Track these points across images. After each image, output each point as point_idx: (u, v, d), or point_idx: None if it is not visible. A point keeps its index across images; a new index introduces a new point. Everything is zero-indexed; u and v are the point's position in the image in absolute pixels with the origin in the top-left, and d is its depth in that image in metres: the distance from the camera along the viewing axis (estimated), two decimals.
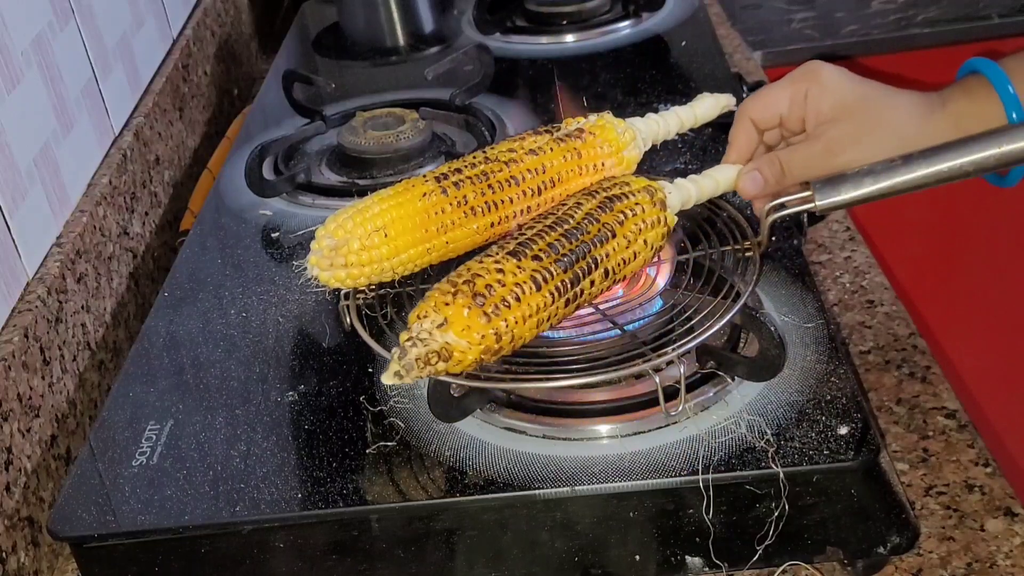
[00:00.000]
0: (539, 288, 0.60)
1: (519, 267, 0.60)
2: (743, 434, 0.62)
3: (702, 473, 0.60)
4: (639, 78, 1.07)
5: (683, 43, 1.15)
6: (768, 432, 0.62)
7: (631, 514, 0.61)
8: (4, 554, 0.68)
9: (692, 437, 0.62)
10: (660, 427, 0.64)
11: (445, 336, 0.57)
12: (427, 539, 0.62)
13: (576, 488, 0.61)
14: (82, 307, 0.84)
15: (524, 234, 0.63)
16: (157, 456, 0.67)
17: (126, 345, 0.90)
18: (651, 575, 0.63)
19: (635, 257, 0.65)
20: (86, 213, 0.88)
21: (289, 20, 1.38)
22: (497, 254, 0.61)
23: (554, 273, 0.61)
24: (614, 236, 0.63)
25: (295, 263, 0.68)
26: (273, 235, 0.90)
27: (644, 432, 0.63)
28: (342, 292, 0.68)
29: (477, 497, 0.61)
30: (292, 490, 0.63)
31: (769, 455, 0.60)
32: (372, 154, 0.96)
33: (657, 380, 0.61)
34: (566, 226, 0.63)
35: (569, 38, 1.19)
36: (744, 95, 1.02)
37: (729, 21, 1.36)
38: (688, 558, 0.62)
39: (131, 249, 0.96)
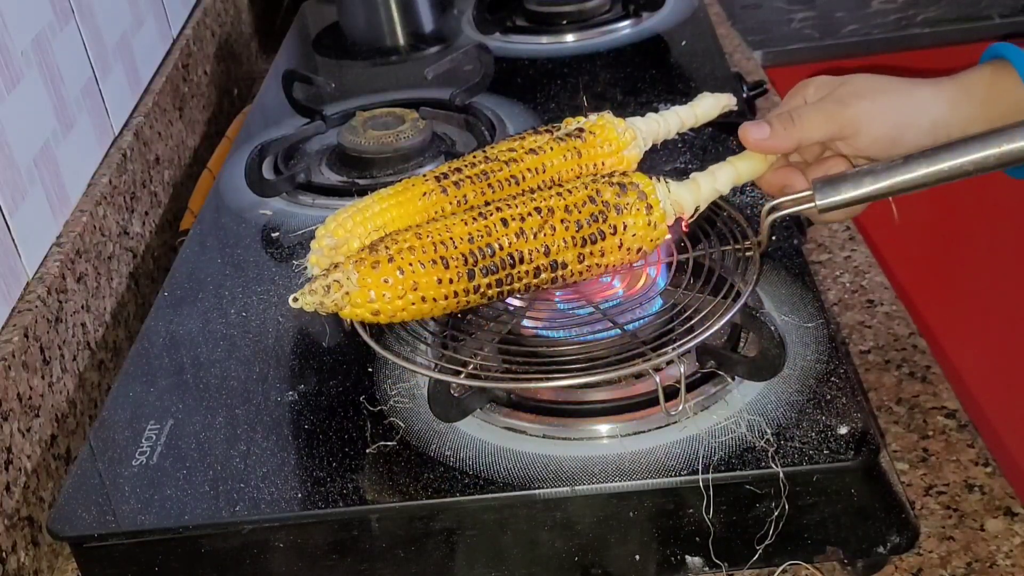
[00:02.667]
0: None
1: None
2: (743, 434, 0.62)
3: (702, 473, 0.60)
4: (639, 78, 1.07)
5: (683, 43, 1.15)
6: (768, 432, 0.62)
7: (631, 514, 0.61)
8: (4, 554, 0.68)
9: (692, 437, 0.62)
10: (660, 427, 0.64)
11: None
12: (427, 539, 0.62)
13: (576, 488, 0.61)
14: (82, 307, 0.84)
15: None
16: (157, 456, 0.67)
17: (126, 345, 0.90)
18: (651, 575, 0.63)
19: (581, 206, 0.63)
20: (86, 213, 0.88)
21: (289, 20, 1.38)
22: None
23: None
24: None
25: (295, 262, 0.68)
26: (273, 235, 0.90)
27: (644, 432, 0.63)
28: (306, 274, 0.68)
29: (477, 497, 0.61)
30: (292, 490, 0.63)
31: (769, 455, 0.60)
32: (372, 154, 0.96)
33: (657, 380, 0.61)
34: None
35: (569, 38, 1.19)
36: (744, 95, 1.02)
37: (729, 21, 1.36)
38: (688, 558, 0.62)
39: (131, 249, 0.96)
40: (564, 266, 0.63)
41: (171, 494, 0.64)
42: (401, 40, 1.27)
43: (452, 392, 0.64)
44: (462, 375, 0.62)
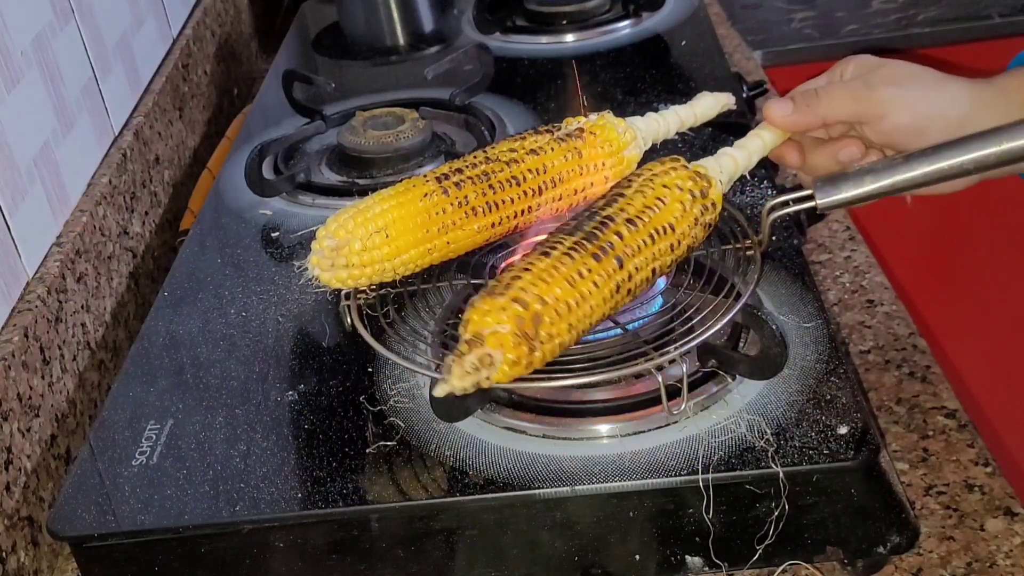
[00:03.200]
0: (550, 255, 0.61)
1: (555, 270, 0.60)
2: (743, 434, 0.62)
3: (702, 473, 0.60)
4: (639, 78, 1.07)
5: (683, 43, 1.15)
6: (768, 432, 0.62)
7: (631, 514, 0.61)
8: (4, 554, 0.68)
9: (692, 437, 0.62)
10: (660, 427, 0.63)
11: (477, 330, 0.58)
12: (427, 539, 0.62)
13: (576, 488, 0.61)
14: (82, 307, 0.84)
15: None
16: (157, 456, 0.67)
17: (126, 345, 0.90)
18: (651, 575, 0.63)
19: (661, 207, 0.63)
20: (86, 213, 0.88)
21: (289, 20, 1.38)
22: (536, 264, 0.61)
23: (564, 242, 0.61)
24: (624, 197, 0.64)
25: (296, 263, 0.68)
26: (273, 235, 0.90)
27: (644, 432, 0.63)
28: (343, 292, 0.68)
29: (477, 497, 0.61)
30: (292, 490, 0.63)
31: (769, 455, 0.60)
32: (372, 154, 0.96)
33: (659, 379, 0.61)
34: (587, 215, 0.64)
35: (569, 38, 1.19)
36: (744, 95, 1.02)
37: (729, 21, 1.36)
38: (688, 558, 0.62)
39: (131, 249, 0.96)
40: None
41: (171, 494, 0.64)
42: (401, 40, 1.27)
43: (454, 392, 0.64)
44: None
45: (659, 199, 0.63)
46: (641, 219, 0.63)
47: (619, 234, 0.62)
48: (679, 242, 0.64)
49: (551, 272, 0.59)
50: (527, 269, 0.59)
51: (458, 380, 0.56)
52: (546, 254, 0.60)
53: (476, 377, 0.56)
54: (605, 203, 0.64)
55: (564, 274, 0.60)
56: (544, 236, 0.64)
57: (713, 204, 0.66)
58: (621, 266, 0.61)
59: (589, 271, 0.60)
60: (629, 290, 0.62)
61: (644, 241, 0.62)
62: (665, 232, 0.63)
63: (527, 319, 0.57)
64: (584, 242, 0.61)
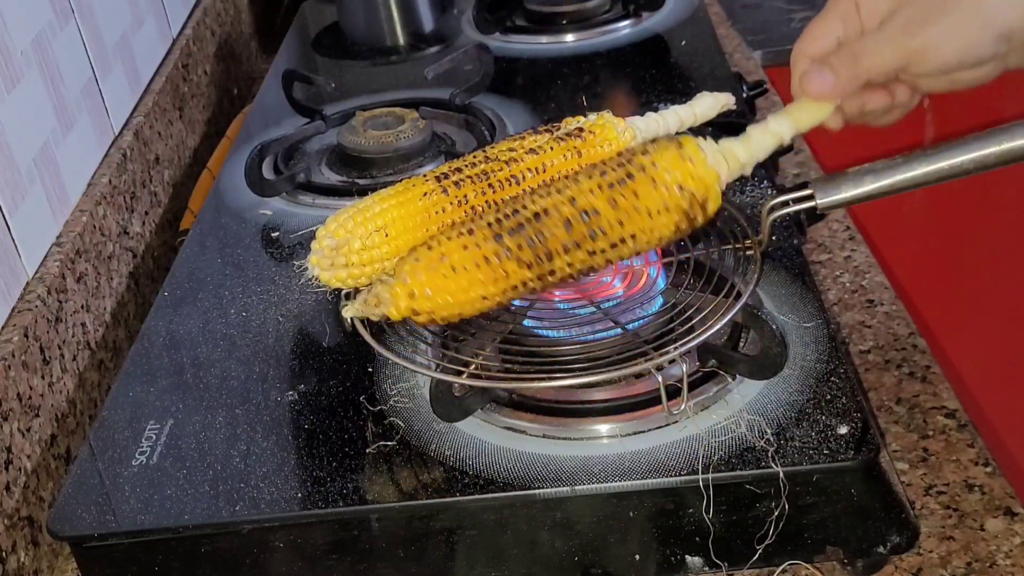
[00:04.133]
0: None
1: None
2: (743, 433, 0.62)
3: (702, 473, 0.60)
4: (639, 78, 1.07)
5: (683, 43, 1.15)
6: (768, 431, 0.62)
7: (631, 514, 0.61)
8: (4, 553, 0.68)
9: (692, 437, 0.62)
10: (660, 426, 0.64)
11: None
12: (427, 539, 0.62)
13: (576, 488, 0.61)
14: (82, 307, 0.84)
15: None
16: (157, 456, 0.67)
17: (126, 345, 0.90)
18: (651, 575, 0.62)
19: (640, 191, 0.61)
20: (86, 213, 0.88)
21: (289, 20, 1.38)
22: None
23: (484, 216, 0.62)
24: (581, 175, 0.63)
25: (296, 263, 0.68)
26: (273, 235, 0.90)
27: (644, 432, 0.63)
28: (343, 292, 0.68)
29: (477, 497, 0.61)
30: (292, 490, 0.63)
31: (769, 455, 0.60)
32: (372, 154, 0.96)
33: (659, 379, 0.61)
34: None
35: (569, 38, 1.19)
36: (744, 95, 1.02)
37: (729, 20, 1.36)
38: (688, 557, 0.62)
39: (131, 249, 0.96)
40: (596, 212, 0.61)
41: (171, 494, 0.64)
42: (401, 40, 1.27)
43: (454, 392, 0.64)
44: (464, 375, 0.62)
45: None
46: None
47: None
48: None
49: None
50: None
51: (359, 305, 0.63)
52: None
53: (372, 302, 0.62)
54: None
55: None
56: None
57: (704, 206, 0.63)
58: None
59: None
60: (514, 215, 0.61)
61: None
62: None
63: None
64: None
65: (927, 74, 0.62)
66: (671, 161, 0.62)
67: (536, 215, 0.61)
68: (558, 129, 0.69)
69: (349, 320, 0.67)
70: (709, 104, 0.73)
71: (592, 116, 0.70)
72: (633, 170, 0.62)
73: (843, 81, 0.61)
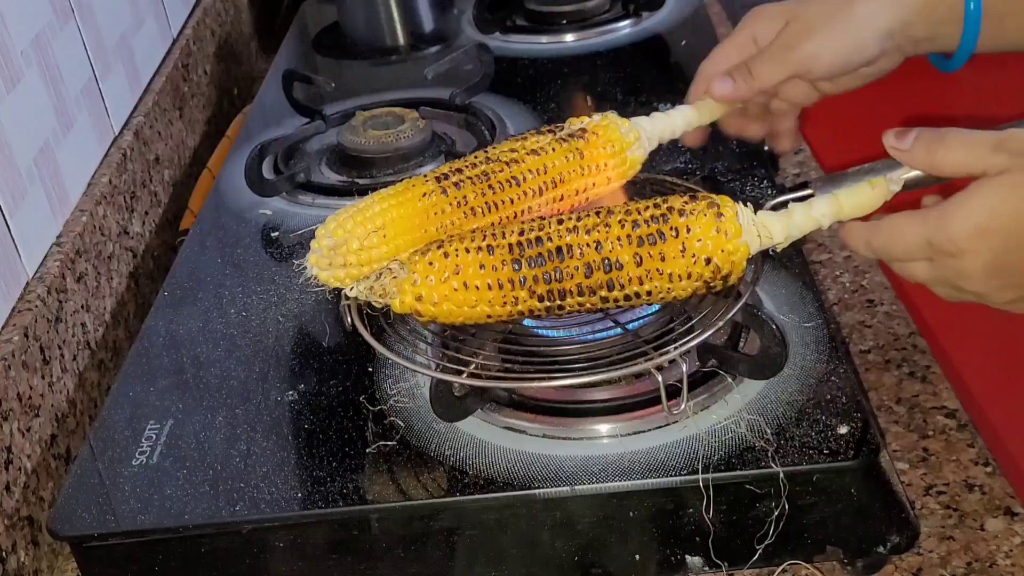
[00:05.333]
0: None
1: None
2: (743, 433, 0.62)
3: (702, 472, 0.60)
4: (639, 78, 1.07)
5: (683, 43, 1.15)
6: (768, 431, 0.62)
7: (631, 514, 0.61)
8: (4, 553, 0.68)
9: (692, 436, 0.62)
10: (660, 426, 0.64)
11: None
12: (427, 538, 0.62)
13: (576, 488, 0.61)
14: (82, 306, 0.84)
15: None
16: (157, 455, 0.67)
17: (126, 345, 0.90)
18: (651, 575, 0.62)
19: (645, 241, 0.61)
20: (86, 212, 0.88)
21: (289, 20, 1.38)
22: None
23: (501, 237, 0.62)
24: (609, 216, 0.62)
25: (295, 262, 0.68)
26: (273, 234, 0.90)
27: (644, 432, 0.63)
28: (343, 291, 0.68)
29: (477, 497, 0.61)
30: (292, 490, 0.63)
31: (769, 454, 0.60)
32: (372, 153, 0.96)
33: (660, 379, 0.61)
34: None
35: (569, 37, 1.19)
36: None
37: (729, 21, 1.36)
38: (688, 557, 0.62)
39: (131, 248, 0.96)
40: (619, 266, 0.60)
41: (171, 494, 0.64)
42: (401, 40, 1.27)
43: (454, 392, 0.64)
44: (464, 375, 0.62)
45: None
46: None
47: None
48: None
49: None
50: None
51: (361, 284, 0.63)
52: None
53: (378, 280, 0.63)
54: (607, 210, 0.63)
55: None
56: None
57: (726, 279, 0.62)
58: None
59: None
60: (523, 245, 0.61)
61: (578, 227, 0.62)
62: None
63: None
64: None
65: (821, 79, 0.71)
66: (705, 230, 0.60)
67: (559, 250, 0.61)
68: (561, 130, 0.69)
69: (349, 320, 0.68)
70: (714, 105, 0.73)
71: (596, 116, 0.70)
72: (666, 230, 0.60)
73: (740, 90, 0.71)
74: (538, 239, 0.61)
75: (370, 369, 0.71)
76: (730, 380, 0.65)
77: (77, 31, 0.94)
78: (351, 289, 0.64)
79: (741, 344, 0.68)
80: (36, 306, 0.77)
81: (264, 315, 0.79)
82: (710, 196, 0.62)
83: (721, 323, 0.63)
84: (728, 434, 0.62)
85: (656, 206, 0.61)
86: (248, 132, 1.07)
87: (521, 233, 0.62)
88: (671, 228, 0.60)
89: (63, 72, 0.90)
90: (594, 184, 0.69)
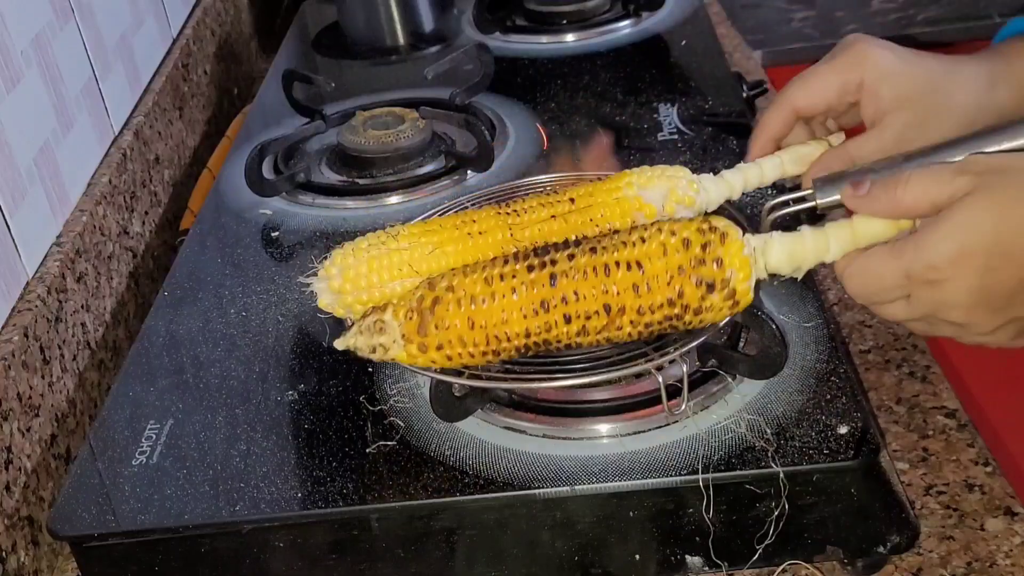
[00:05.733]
0: (489, 284, 0.59)
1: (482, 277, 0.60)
2: (743, 433, 0.62)
3: (702, 472, 0.60)
4: (639, 78, 1.07)
5: (683, 43, 1.15)
6: (768, 431, 0.62)
7: (631, 514, 0.61)
8: (4, 553, 0.68)
9: (692, 436, 0.62)
10: (660, 426, 0.63)
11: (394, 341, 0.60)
12: (427, 538, 0.62)
13: (576, 488, 0.61)
14: (82, 306, 0.84)
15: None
16: (157, 455, 0.67)
17: (126, 344, 0.90)
18: (651, 574, 0.63)
19: (636, 243, 0.58)
20: (86, 212, 0.88)
21: (289, 20, 1.38)
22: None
23: (519, 258, 0.60)
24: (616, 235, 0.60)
25: (303, 280, 0.67)
26: (273, 234, 0.90)
27: (644, 431, 0.63)
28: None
29: (477, 496, 0.61)
30: (292, 489, 0.63)
31: (769, 454, 0.60)
32: (372, 153, 0.96)
33: (660, 379, 0.61)
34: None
35: (569, 37, 1.19)
36: (744, 95, 1.02)
37: (729, 20, 1.36)
38: (688, 557, 0.62)
39: (131, 248, 0.96)
40: (624, 336, 0.60)
41: (171, 494, 0.64)
42: (401, 40, 1.27)
43: (454, 392, 0.64)
44: (464, 375, 0.62)
45: (641, 238, 0.59)
46: (604, 248, 0.59)
47: (571, 255, 0.59)
48: (648, 286, 0.58)
49: (476, 268, 0.60)
50: (465, 273, 0.60)
51: (352, 337, 0.61)
52: (494, 260, 0.61)
53: (370, 340, 0.60)
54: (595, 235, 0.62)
55: (487, 272, 0.59)
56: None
57: (718, 262, 0.57)
58: (554, 283, 0.58)
59: (514, 276, 0.59)
60: (568, 316, 0.58)
61: (595, 269, 0.58)
62: (628, 267, 0.58)
63: (427, 298, 0.59)
64: (531, 254, 0.60)
65: None
66: (718, 317, 0.59)
67: (568, 347, 0.60)
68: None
69: (349, 319, 0.67)
70: (798, 160, 0.68)
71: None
72: (678, 325, 0.59)
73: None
74: (546, 341, 0.60)
75: (370, 369, 0.71)
76: (730, 380, 0.65)
77: (77, 31, 0.94)
78: (337, 341, 0.62)
79: (741, 344, 0.68)
80: (36, 306, 0.77)
81: (264, 315, 0.79)
82: (727, 278, 0.58)
83: (721, 323, 0.62)
84: (728, 434, 0.62)
85: (670, 303, 0.58)
86: (248, 132, 1.07)
87: (527, 335, 0.59)
88: (684, 322, 0.59)
89: (63, 72, 0.90)
90: None
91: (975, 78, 0.65)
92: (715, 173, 0.67)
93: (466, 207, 0.73)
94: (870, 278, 0.57)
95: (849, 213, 0.61)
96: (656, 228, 0.59)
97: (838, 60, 0.66)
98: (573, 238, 0.63)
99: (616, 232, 0.62)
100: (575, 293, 0.58)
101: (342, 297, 0.63)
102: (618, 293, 0.58)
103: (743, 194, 0.67)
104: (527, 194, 0.69)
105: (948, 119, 0.64)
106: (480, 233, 0.63)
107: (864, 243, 0.59)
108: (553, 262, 0.59)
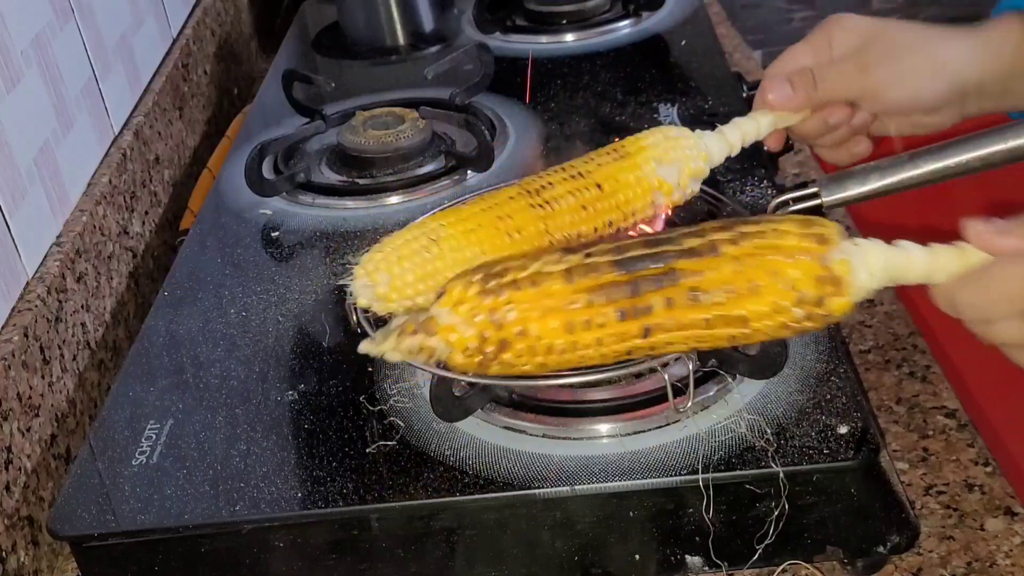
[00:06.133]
0: (571, 280, 0.50)
1: (560, 262, 0.51)
2: (743, 433, 0.62)
3: (702, 472, 0.60)
4: (639, 78, 1.07)
5: (683, 43, 1.15)
6: (768, 431, 0.62)
7: (631, 513, 0.61)
8: (4, 553, 0.68)
9: (692, 436, 0.62)
10: (660, 426, 0.63)
11: (435, 311, 0.51)
12: (427, 538, 0.62)
13: (576, 488, 0.61)
14: (82, 306, 0.84)
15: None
16: (157, 455, 0.67)
17: (126, 344, 0.90)
18: (651, 574, 0.62)
19: (752, 288, 0.51)
20: (86, 212, 0.88)
21: (289, 20, 1.38)
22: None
23: (601, 270, 0.50)
24: (714, 253, 0.51)
25: (342, 277, 0.66)
26: (273, 234, 0.90)
27: (644, 431, 0.63)
28: (347, 291, 0.68)
29: (477, 496, 0.61)
30: (292, 489, 0.63)
31: (769, 454, 0.60)
32: (372, 153, 0.96)
33: (666, 377, 0.61)
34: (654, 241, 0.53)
35: (569, 37, 1.19)
36: (744, 94, 1.02)
37: (729, 20, 1.36)
38: (688, 557, 0.62)
39: (131, 248, 0.96)
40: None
41: (171, 494, 0.64)
42: (401, 40, 1.27)
43: (454, 392, 0.64)
44: (464, 374, 0.62)
45: (754, 281, 0.51)
46: (709, 294, 0.51)
47: (669, 300, 0.51)
48: (743, 334, 0.52)
49: (557, 304, 0.50)
50: (535, 282, 0.51)
51: (389, 351, 0.53)
52: (568, 275, 0.51)
53: (411, 357, 0.53)
54: (687, 239, 0.52)
55: (569, 315, 0.51)
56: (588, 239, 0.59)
57: (827, 316, 0.52)
58: (647, 336, 0.52)
59: (602, 326, 0.51)
60: (651, 353, 0.54)
61: (695, 323, 0.51)
62: (731, 323, 0.51)
63: (494, 340, 0.51)
64: (622, 285, 0.51)
65: (882, 111, 0.68)
66: (798, 273, 0.52)
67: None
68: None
69: (355, 318, 0.67)
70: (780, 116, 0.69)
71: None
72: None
73: (798, 98, 0.66)
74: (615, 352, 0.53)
75: (370, 369, 0.71)
76: (730, 380, 0.65)
77: (77, 31, 0.94)
78: (371, 342, 0.57)
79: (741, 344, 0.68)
80: (36, 306, 0.77)
81: (264, 315, 0.79)
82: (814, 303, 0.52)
83: None
84: (728, 434, 0.62)
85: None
86: (248, 132, 1.07)
87: (599, 343, 0.52)
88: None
89: (63, 72, 0.90)
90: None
91: (949, 31, 0.67)
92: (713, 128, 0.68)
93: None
94: (993, 284, 0.51)
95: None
96: (769, 274, 0.51)
97: (811, 33, 0.69)
98: (670, 243, 0.53)
99: (716, 236, 0.53)
100: (668, 344, 0.53)
101: (386, 303, 0.63)
102: (708, 340, 0.53)
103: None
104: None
105: (919, 58, 0.66)
106: (519, 232, 0.63)
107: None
108: (648, 310, 0.51)
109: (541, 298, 0.51)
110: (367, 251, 0.63)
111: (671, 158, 0.65)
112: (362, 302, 0.62)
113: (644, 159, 0.65)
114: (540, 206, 0.64)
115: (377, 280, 0.61)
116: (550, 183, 0.65)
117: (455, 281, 0.53)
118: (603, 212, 0.65)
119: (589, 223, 0.64)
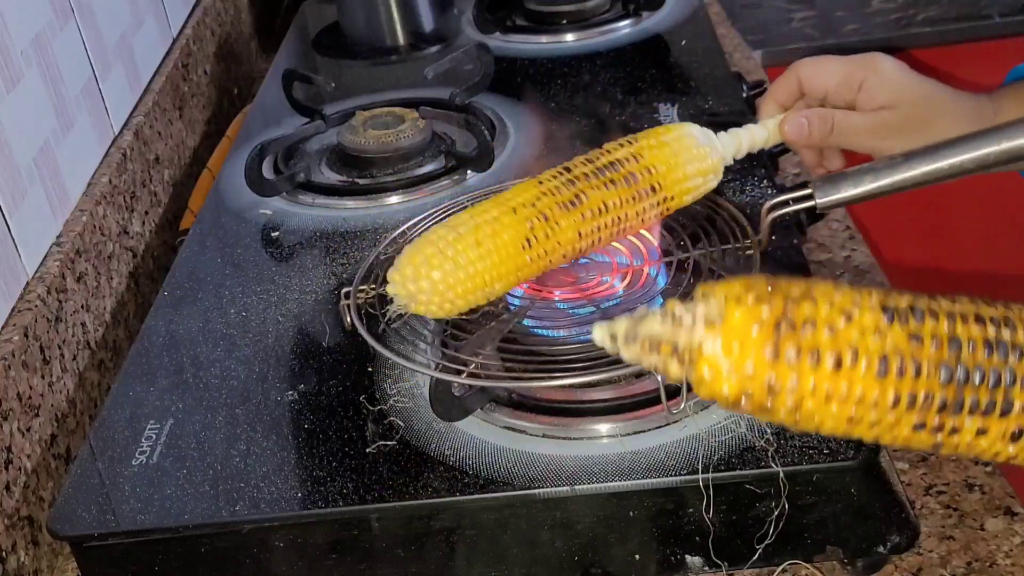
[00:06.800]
0: (886, 370, 0.39)
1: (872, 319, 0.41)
2: (743, 433, 0.62)
3: (702, 472, 0.60)
4: (639, 78, 1.07)
5: (683, 42, 1.15)
6: (768, 431, 0.62)
7: (631, 513, 0.61)
8: (4, 553, 0.68)
9: (692, 436, 0.62)
10: (660, 426, 0.63)
11: (707, 338, 0.40)
12: (427, 538, 0.62)
13: (576, 487, 0.61)
14: (82, 306, 0.84)
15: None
16: (157, 455, 0.67)
17: (126, 344, 0.90)
18: (651, 574, 0.62)
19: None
20: (86, 212, 0.88)
21: (289, 19, 1.38)
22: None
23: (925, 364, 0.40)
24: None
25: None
26: (273, 234, 0.90)
27: (644, 431, 0.63)
28: (343, 291, 0.68)
29: (477, 496, 0.61)
30: (292, 489, 0.63)
31: (769, 454, 0.60)
32: (372, 153, 0.96)
33: (659, 378, 0.61)
34: None
35: (569, 37, 1.19)
36: (744, 95, 1.02)
37: (729, 20, 1.36)
38: (688, 557, 0.62)
39: (131, 248, 0.96)
40: None
41: (171, 494, 0.64)
42: (401, 40, 1.27)
43: (453, 392, 0.64)
44: (463, 374, 0.62)
45: None
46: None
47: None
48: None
49: (857, 396, 0.39)
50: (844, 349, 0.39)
51: (628, 355, 0.43)
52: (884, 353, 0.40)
53: (651, 364, 0.42)
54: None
55: (863, 413, 0.40)
56: None
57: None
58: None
59: (901, 372, 0.41)
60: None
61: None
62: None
63: (755, 404, 0.40)
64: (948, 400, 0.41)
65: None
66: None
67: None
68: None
69: (348, 319, 0.68)
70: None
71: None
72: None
73: (813, 138, 0.71)
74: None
75: (370, 369, 0.71)
76: None
77: (77, 31, 0.94)
78: (605, 330, 0.46)
79: None
80: (36, 306, 0.77)
81: (264, 315, 0.79)
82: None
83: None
84: (728, 434, 0.62)
85: None
86: (248, 132, 1.07)
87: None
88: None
89: (63, 72, 0.90)
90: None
91: (966, 111, 0.69)
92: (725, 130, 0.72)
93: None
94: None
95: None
96: None
97: (851, 57, 0.71)
98: None
99: None
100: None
101: (427, 308, 0.63)
102: None
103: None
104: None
105: (930, 137, 0.66)
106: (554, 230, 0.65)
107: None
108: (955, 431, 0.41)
109: (842, 379, 0.38)
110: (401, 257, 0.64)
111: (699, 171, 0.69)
112: (399, 303, 0.64)
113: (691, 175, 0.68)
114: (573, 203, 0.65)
115: (422, 288, 0.63)
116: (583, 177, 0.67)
117: (735, 305, 0.40)
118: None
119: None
